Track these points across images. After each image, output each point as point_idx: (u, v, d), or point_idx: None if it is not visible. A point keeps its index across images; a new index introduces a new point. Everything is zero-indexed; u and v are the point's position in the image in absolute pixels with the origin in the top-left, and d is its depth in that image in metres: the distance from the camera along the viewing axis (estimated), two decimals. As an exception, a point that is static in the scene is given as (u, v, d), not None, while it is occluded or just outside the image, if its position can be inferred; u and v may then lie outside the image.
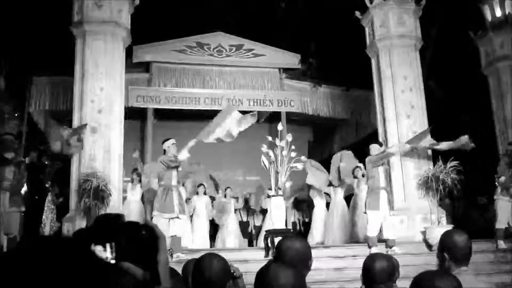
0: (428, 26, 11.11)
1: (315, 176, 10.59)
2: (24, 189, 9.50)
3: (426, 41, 10.78)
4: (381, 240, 8.26)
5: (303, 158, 8.76)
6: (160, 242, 1.64)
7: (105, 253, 1.43)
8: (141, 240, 1.49)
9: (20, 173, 7.78)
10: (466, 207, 11.37)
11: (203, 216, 10.83)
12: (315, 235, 10.80)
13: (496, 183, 8.98)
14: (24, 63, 11.01)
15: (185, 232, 8.23)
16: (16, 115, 11.65)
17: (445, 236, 2.73)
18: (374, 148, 8.50)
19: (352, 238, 10.09)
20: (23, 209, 7.84)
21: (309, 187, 11.02)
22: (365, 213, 8.47)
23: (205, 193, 11.13)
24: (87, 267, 0.85)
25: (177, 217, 7.91)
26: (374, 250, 7.80)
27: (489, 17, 11.51)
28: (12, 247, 5.75)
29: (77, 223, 8.35)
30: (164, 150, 8.16)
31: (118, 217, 1.58)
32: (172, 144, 8.12)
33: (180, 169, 8.21)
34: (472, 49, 11.57)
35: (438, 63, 11.99)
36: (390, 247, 7.92)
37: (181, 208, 7.99)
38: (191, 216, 10.48)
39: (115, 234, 1.42)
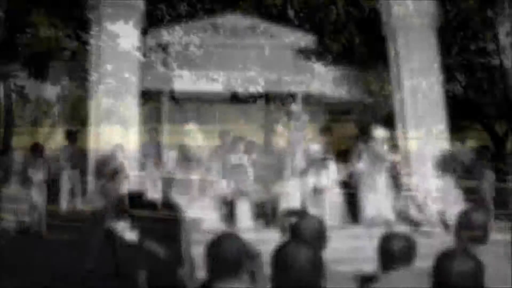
0: (446, 5, 10.92)
1: None
2: None
3: (443, 20, 10.60)
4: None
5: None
6: (183, 222, 1.65)
7: (127, 231, 1.44)
8: (164, 219, 1.50)
9: None
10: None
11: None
12: None
13: None
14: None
15: None
16: None
17: (463, 216, 2.72)
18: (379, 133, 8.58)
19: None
20: None
21: None
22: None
23: None
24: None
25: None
26: (374, 230, 7.86)
27: (508, -6, 11.29)
28: None
29: (96, 202, 8.45)
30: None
31: (140, 195, 1.58)
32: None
33: None
34: (491, 27, 11.36)
35: (456, 43, 11.80)
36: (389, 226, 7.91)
37: None
38: None
39: (137, 212, 1.43)
